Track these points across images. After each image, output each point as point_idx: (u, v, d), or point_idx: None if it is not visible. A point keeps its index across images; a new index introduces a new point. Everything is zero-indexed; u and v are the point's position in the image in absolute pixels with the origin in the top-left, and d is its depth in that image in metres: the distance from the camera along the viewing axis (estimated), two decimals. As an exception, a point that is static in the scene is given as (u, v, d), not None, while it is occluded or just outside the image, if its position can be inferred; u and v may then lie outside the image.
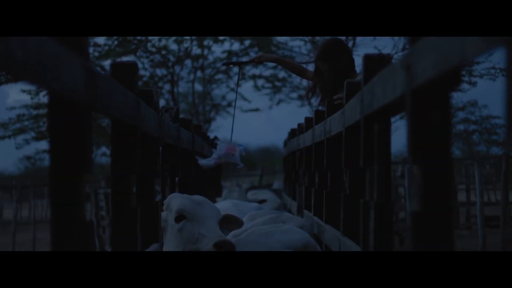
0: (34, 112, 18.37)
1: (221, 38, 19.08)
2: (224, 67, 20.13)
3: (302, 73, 6.33)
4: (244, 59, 18.40)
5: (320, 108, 6.24)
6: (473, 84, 17.21)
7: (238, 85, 6.84)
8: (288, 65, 6.48)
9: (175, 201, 3.89)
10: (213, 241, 3.62)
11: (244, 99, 20.49)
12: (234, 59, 19.05)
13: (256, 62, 6.38)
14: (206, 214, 3.78)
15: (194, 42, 19.26)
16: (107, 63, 17.41)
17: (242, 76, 19.83)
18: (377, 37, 15.90)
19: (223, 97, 21.31)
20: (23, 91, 17.64)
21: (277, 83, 20.48)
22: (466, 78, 16.77)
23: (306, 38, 18.03)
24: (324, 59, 5.85)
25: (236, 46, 19.52)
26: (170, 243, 3.84)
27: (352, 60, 5.83)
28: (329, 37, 6.13)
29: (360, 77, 5.70)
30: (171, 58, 19.17)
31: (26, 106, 18.46)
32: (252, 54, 19.17)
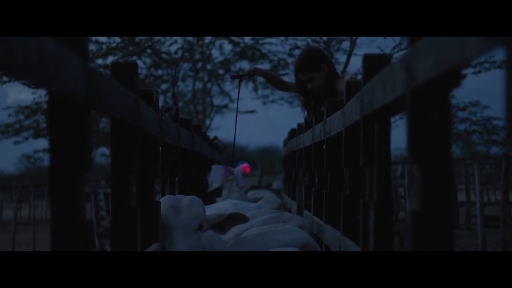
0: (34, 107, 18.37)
1: (211, 41, 19.19)
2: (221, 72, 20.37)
3: (282, 86, 6.59)
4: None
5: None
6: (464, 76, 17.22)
7: (238, 98, 6.89)
8: (272, 80, 6.61)
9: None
10: None
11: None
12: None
13: (250, 75, 6.47)
14: (175, 224, 3.79)
15: (198, 42, 19.32)
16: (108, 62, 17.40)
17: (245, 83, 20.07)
18: (375, 37, 15.88)
19: (224, 94, 21.39)
20: (23, 83, 17.60)
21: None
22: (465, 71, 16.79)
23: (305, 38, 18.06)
24: (303, 70, 5.97)
25: (230, 47, 19.69)
26: None
27: (332, 66, 6.00)
28: (304, 49, 6.31)
29: (348, 77, 5.82)
30: (174, 57, 19.19)
31: (25, 107, 18.46)
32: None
